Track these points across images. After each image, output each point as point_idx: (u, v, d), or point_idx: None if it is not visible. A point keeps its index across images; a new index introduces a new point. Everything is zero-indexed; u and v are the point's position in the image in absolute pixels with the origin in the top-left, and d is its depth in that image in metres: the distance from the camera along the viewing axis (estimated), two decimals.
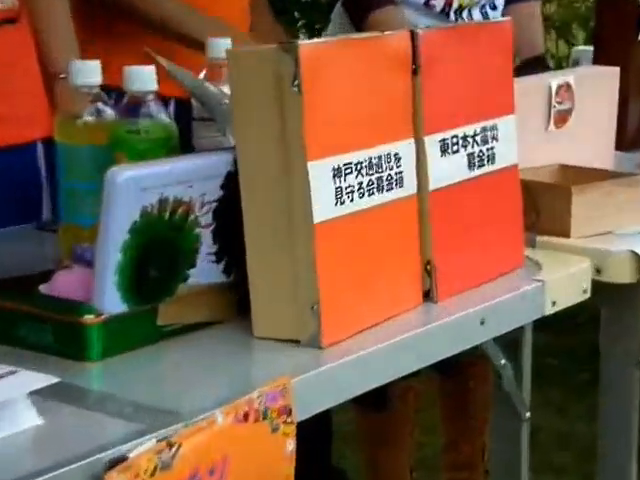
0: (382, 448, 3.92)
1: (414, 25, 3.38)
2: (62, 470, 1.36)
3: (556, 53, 5.51)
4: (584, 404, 2.87)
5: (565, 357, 3.75)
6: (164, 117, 1.97)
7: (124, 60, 2.18)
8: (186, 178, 1.79)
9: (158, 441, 1.42)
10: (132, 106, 1.95)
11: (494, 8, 3.82)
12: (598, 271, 2.32)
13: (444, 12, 3.70)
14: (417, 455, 4.20)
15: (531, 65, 3.55)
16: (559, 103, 2.66)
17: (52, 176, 2.52)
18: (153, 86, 1.96)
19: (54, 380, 1.52)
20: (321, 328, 1.78)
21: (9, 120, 2.57)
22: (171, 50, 2.55)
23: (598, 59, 2.99)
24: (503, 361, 2.24)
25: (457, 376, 3.83)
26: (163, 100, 2.05)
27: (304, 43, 1.76)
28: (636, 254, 2.33)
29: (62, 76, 2.24)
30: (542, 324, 2.24)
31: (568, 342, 3.59)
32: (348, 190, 1.83)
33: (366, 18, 3.69)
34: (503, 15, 3.83)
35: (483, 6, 3.78)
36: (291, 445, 1.62)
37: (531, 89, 2.63)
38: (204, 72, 2.21)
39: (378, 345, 1.84)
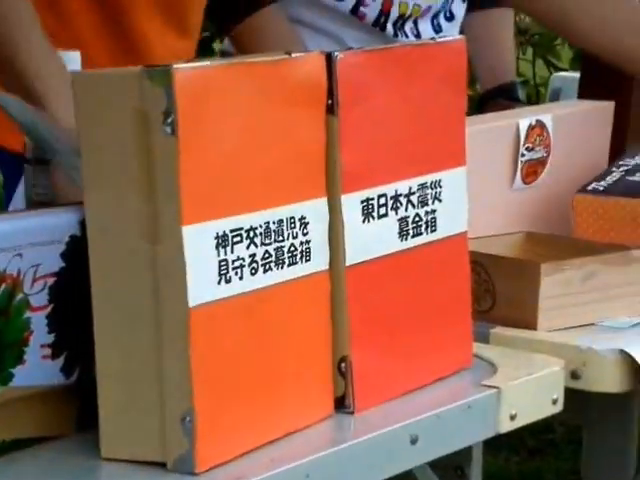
0: None
1: (340, 41, 3.52)
2: None
3: (532, 78, 5.53)
4: None
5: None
6: None
7: None
8: (13, 243, 1.78)
9: None
10: None
11: (450, 19, 3.81)
12: (575, 376, 2.32)
13: (379, 24, 3.66)
14: None
15: (496, 97, 3.57)
16: (530, 150, 2.67)
17: None
18: None
19: None
20: (195, 447, 1.76)
21: None
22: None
23: (587, 89, 3.01)
24: None
25: None
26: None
27: (180, 67, 1.73)
28: (628, 355, 2.32)
29: None
30: (501, 444, 2.26)
31: (539, 467, 3.59)
32: (236, 264, 1.82)
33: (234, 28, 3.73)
34: (463, 27, 3.84)
35: (436, 15, 3.75)
36: None
37: (493, 131, 2.63)
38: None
39: (271, 471, 1.83)
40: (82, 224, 1.81)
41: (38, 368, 1.82)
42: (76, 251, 1.81)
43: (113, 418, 1.81)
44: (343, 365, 2.02)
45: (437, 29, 3.73)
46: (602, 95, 2.89)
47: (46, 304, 1.81)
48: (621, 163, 2.82)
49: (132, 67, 1.79)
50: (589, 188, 2.68)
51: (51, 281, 1.81)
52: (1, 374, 1.78)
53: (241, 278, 1.82)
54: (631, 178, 2.72)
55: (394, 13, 3.63)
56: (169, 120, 1.70)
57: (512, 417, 2.19)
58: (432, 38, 3.50)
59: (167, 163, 1.72)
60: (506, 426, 2.19)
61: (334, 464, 1.93)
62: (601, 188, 2.70)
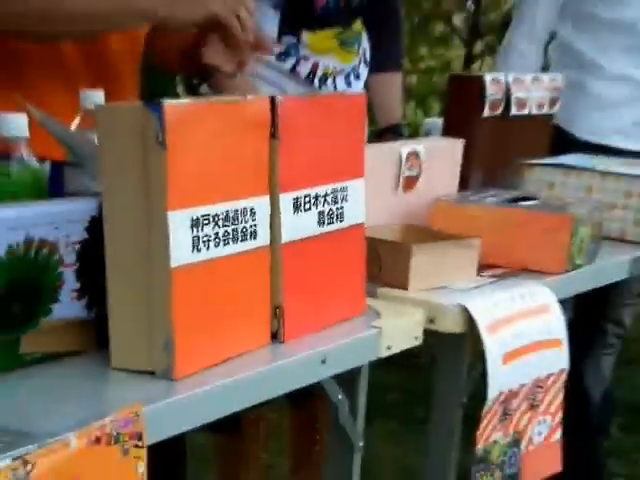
0: (234, 468, 3.93)
1: (281, 89, 3.48)
2: None
3: (414, 121, 5.54)
4: (418, 437, 2.90)
5: (407, 394, 3.75)
6: (34, 162, 1.96)
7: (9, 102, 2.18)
8: (52, 220, 1.78)
9: (13, 459, 1.39)
10: (4, 151, 1.94)
11: (358, 77, 3.78)
12: (432, 321, 2.33)
13: (309, 79, 3.64)
14: (267, 476, 4.21)
15: (387, 133, 3.56)
16: (408, 169, 2.66)
17: None
18: (25, 133, 1.96)
19: None
20: (174, 362, 1.77)
21: None
22: (42, 100, 2.44)
23: (447, 130, 3.03)
24: (340, 396, 2.24)
25: (304, 407, 3.85)
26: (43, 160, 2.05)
27: (169, 102, 1.73)
28: (465, 308, 2.34)
29: None
30: (388, 363, 2.25)
31: (410, 380, 3.58)
32: (205, 239, 1.81)
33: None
34: (367, 83, 3.83)
35: (348, 75, 3.72)
36: (141, 467, 1.59)
37: (384, 155, 2.63)
38: (78, 119, 2.18)
39: (227, 379, 1.83)
40: (99, 208, 1.80)
41: (69, 306, 1.82)
42: (95, 227, 1.81)
43: (119, 341, 1.82)
44: (277, 311, 2.01)
45: (348, 85, 3.71)
46: (456, 134, 2.90)
47: (74, 262, 1.81)
48: (469, 192, 2.87)
49: (138, 102, 1.80)
50: (443, 198, 2.70)
51: (78, 247, 1.81)
52: (43, 309, 1.77)
53: (208, 249, 1.82)
54: (472, 197, 2.77)
55: (320, 72, 3.63)
56: (160, 139, 1.69)
57: (388, 347, 2.19)
58: (344, 91, 3.60)
59: (158, 168, 1.71)
60: (384, 353, 2.19)
61: (268, 376, 1.94)
62: (452, 199, 2.74)
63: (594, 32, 4.27)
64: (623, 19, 4.22)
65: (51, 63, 2.86)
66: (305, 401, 3.23)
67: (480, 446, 2.36)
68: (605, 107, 4.13)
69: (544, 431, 2.50)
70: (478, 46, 7.11)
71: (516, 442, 2.43)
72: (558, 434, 2.54)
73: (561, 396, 2.54)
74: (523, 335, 2.42)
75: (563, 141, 3.58)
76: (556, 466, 2.55)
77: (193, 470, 3.14)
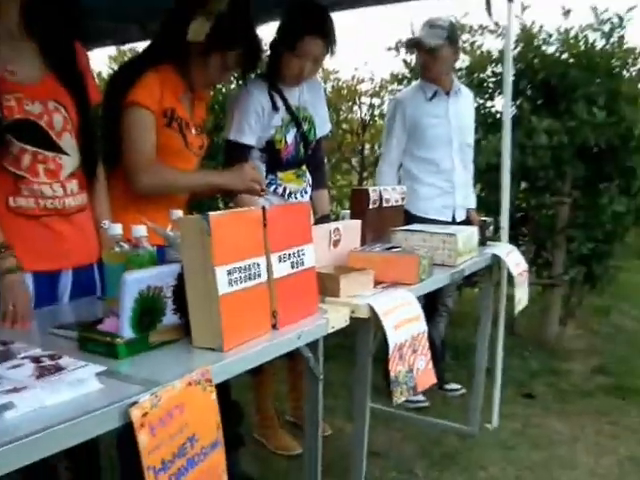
0: (260, 393, 3.93)
1: (269, 201, 3.40)
2: (110, 407, 1.46)
3: (335, 212, 5.45)
4: (349, 370, 2.86)
5: (343, 351, 3.71)
6: (150, 248, 2.00)
7: (134, 219, 2.21)
8: (160, 276, 1.82)
9: (151, 394, 1.50)
10: (135, 244, 1.98)
11: (306, 193, 3.66)
12: (353, 312, 2.34)
13: (282, 195, 3.53)
14: (277, 395, 4.15)
15: (322, 219, 3.53)
16: (334, 236, 2.69)
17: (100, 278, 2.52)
18: (145, 233, 2.00)
19: (103, 368, 1.59)
20: (223, 342, 1.81)
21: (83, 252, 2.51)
22: (152, 216, 2.41)
23: (352, 216, 3.04)
24: (309, 354, 2.22)
25: (293, 360, 3.86)
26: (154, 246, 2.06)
27: (212, 214, 1.77)
28: (370, 304, 2.36)
29: (103, 226, 2.17)
30: (331, 336, 2.23)
31: (344, 344, 3.53)
32: (234, 279, 1.84)
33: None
34: (311, 196, 3.73)
35: (301, 192, 3.60)
36: (214, 396, 1.65)
37: (322, 231, 2.62)
38: (170, 225, 2.20)
39: (250, 349, 1.88)
40: (182, 268, 1.83)
41: (170, 318, 1.86)
42: (180, 277, 1.83)
43: (196, 332, 1.85)
44: (274, 313, 2.02)
45: (302, 197, 3.61)
46: (357, 218, 2.94)
47: (171, 296, 1.84)
48: (366, 246, 2.89)
49: (198, 214, 1.81)
50: (353, 250, 2.72)
51: (172, 287, 1.85)
52: (158, 319, 1.83)
53: (236, 284, 1.85)
54: (367, 249, 2.80)
55: (287, 192, 3.56)
56: (208, 232, 1.74)
57: (332, 327, 2.21)
58: (299, 201, 3.53)
59: (208, 246, 1.76)
60: (330, 330, 2.21)
61: (272, 346, 1.97)
62: (358, 250, 2.75)
63: (417, 162, 4.37)
64: (430, 157, 4.35)
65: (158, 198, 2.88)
66: (292, 357, 3.20)
67: (393, 374, 2.36)
68: (426, 199, 4.22)
69: (423, 364, 2.51)
70: (365, 173, 7.09)
71: (410, 370, 2.43)
72: (430, 364, 2.55)
73: (427, 344, 2.55)
74: (401, 315, 2.43)
75: (408, 217, 3.61)
76: (433, 379, 2.58)
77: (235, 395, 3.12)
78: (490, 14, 3.85)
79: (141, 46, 7.57)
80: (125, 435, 1.45)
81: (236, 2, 2.78)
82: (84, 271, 2.52)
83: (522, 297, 3.76)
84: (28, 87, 2.31)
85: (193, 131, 2.97)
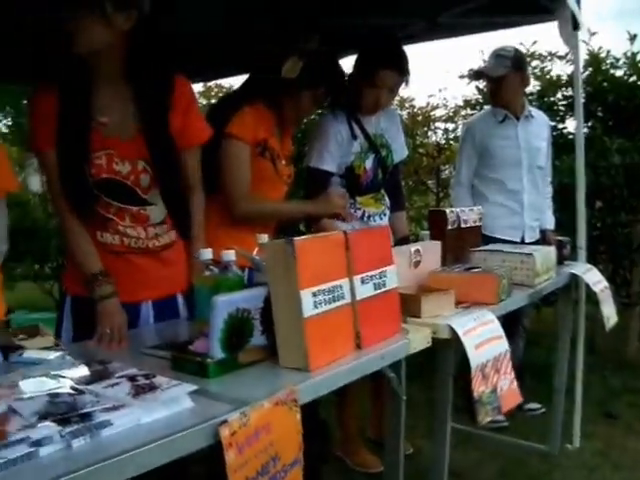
0: (343, 410, 3.92)
1: (350, 225, 3.40)
2: (201, 426, 1.46)
3: (415, 233, 5.45)
4: (431, 390, 2.80)
5: (425, 371, 3.63)
6: (239, 272, 2.02)
7: (225, 243, 2.23)
8: (248, 298, 1.84)
9: (240, 413, 1.50)
10: (224, 267, 2.01)
11: (385, 216, 3.69)
12: (434, 333, 2.31)
13: (362, 218, 3.57)
14: (361, 412, 4.10)
15: (402, 241, 3.51)
16: (415, 257, 2.68)
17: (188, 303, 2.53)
18: (234, 258, 2.02)
19: (195, 387, 1.61)
20: (309, 363, 1.81)
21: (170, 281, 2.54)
22: (242, 240, 2.51)
23: (431, 237, 3.00)
24: (392, 374, 2.19)
25: (375, 380, 3.72)
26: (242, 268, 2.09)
27: (297, 239, 1.79)
28: (450, 325, 2.33)
29: (195, 257, 2.17)
30: (412, 357, 2.21)
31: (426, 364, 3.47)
32: (319, 302, 1.84)
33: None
34: (390, 219, 3.76)
35: (380, 216, 3.64)
36: (298, 416, 1.65)
37: (402, 252, 2.61)
38: (256, 250, 2.21)
39: (336, 369, 1.88)
40: (268, 291, 1.85)
41: (258, 338, 1.86)
42: (267, 299, 1.84)
43: (283, 353, 1.86)
44: (358, 334, 2.01)
45: (381, 219, 3.65)
46: (436, 239, 2.91)
47: (259, 317, 1.85)
48: (446, 267, 2.86)
49: (282, 239, 1.83)
50: (434, 271, 2.72)
51: (260, 310, 1.85)
52: (247, 340, 1.84)
53: (321, 306, 1.85)
54: (447, 269, 2.79)
55: (366, 215, 3.60)
56: (293, 255, 1.76)
57: (414, 348, 2.19)
58: (378, 224, 3.57)
59: (294, 269, 1.78)
60: (412, 351, 2.18)
61: (356, 366, 1.96)
62: (438, 271, 2.74)
63: (486, 182, 4.41)
64: (498, 177, 4.37)
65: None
66: (374, 376, 3.24)
67: (476, 394, 2.33)
68: (493, 218, 4.15)
69: (507, 383, 2.47)
70: (441, 194, 7.10)
71: (494, 390, 2.39)
72: (514, 384, 2.51)
73: (510, 364, 2.51)
74: (483, 335, 2.41)
75: (484, 238, 3.59)
76: (518, 399, 2.54)
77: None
78: (566, 42, 3.79)
79: (226, 82, 7.76)
80: (211, 452, 1.47)
81: (323, 41, 2.93)
82: (165, 302, 2.55)
83: (610, 314, 3.64)
84: (120, 143, 2.33)
85: (282, 161, 3.12)
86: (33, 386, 1.60)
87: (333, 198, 3.19)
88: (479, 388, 2.36)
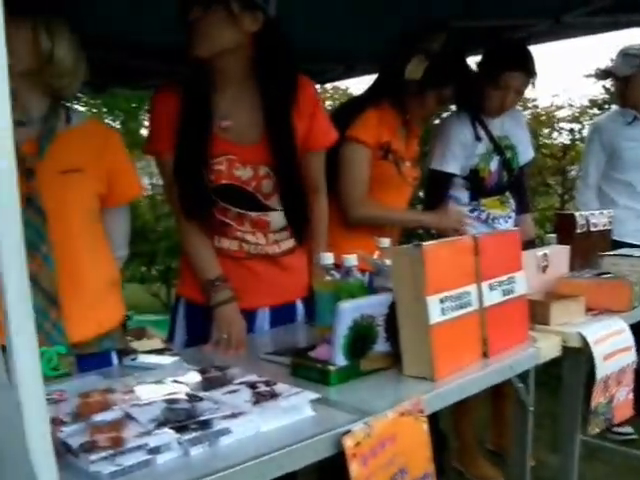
0: (461, 419, 3.80)
1: (474, 227, 3.38)
2: (323, 435, 1.42)
3: (540, 236, 5.31)
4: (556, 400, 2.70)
5: (552, 380, 3.54)
6: (360, 277, 1.99)
7: (346, 246, 2.21)
8: (372, 305, 1.78)
9: (364, 424, 1.45)
10: (345, 272, 1.98)
11: (510, 218, 3.63)
12: (564, 341, 2.22)
13: (486, 221, 3.52)
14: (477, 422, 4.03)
15: (529, 245, 3.41)
16: (543, 262, 2.59)
17: (306, 312, 2.52)
18: (355, 263, 1.99)
19: (317, 395, 1.56)
20: (434, 372, 1.75)
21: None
22: (363, 243, 2.43)
23: (559, 241, 2.91)
24: (520, 384, 2.16)
25: (500, 389, 3.65)
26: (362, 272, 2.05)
27: (424, 244, 1.74)
28: (580, 333, 2.23)
29: (317, 261, 2.12)
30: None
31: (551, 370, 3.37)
32: (446, 308, 1.79)
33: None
34: (515, 221, 3.70)
35: (505, 218, 3.58)
36: (425, 427, 1.59)
37: (530, 257, 2.50)
38: (377, 253, 2.16)
39: (462, 378, 1.81)
40: (393, 297, 1.79)
41: (382, 345, 1.81)
42: (392, 306, 1.79)
43: (407, 361, 1.80)
44: (485, 341, 1.94)
45: (506, 223, 3.57)
46: (564, 243, 2.82)
47: (383, 324, 1.80)
48: (575, 272, 2.75)
49: (409, 244, 1.78)
50: (562, 276, 2.64)
51: (384, 316, 1.79)
52: (370, 347, 1.79)
53: (448, 313, 1.79)
54: (576, 275, 2.69)
55: (491, 216, 3.53)
56: (420, 259, 1.70)
57: (544, 357, 2.11)
58: (506, 228, 3.47)
59: (421, 275, 1.72)
60: (542, 360, 2.10)
61: (483, 376, 1.89)
62: (567, 276, 2.64)
63: (613, 184, 4.26)
64: (627, 179, 4.21)
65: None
66: (501, 387, 3.17)
67: (593, 405, 2.25)
68: (620, 222, 3.92)
69: (624, 395, 2.38)
70: (566, 196, 6.96)
71: (610, 401, 2.31)
72: (630, 395, 2.41)
73: (632, 376, 2.41)
74: (613, 345, 2.31)
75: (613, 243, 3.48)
76: (630, 412, 2.43)
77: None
78: None
79: (342, 84, 7.75)
80: (329, 463, 1.43)
81: (449, 41, 2.91)
82: (284, 309, 2.52)
83: None
84: (241, 148, 2.30)
85: (407, 163, 3.11)
86: (149, 392, 1.58)
87: (451, 213, 3.20)
88: (598, 399, 2.29)
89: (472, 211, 3.51)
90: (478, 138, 3.48)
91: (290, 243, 2.47)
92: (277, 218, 2.40)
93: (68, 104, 2.14)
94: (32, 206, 1.92)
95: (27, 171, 1.91)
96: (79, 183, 2.03)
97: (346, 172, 2.96)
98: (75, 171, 2.02)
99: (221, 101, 2.30)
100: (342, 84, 7.78)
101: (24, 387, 0.95)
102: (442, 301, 1.78)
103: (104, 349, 2.12)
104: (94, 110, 9.10)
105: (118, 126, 9.20)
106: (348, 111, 3.06)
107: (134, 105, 11.03)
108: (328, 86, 7.88)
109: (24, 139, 1.93)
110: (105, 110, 11.35)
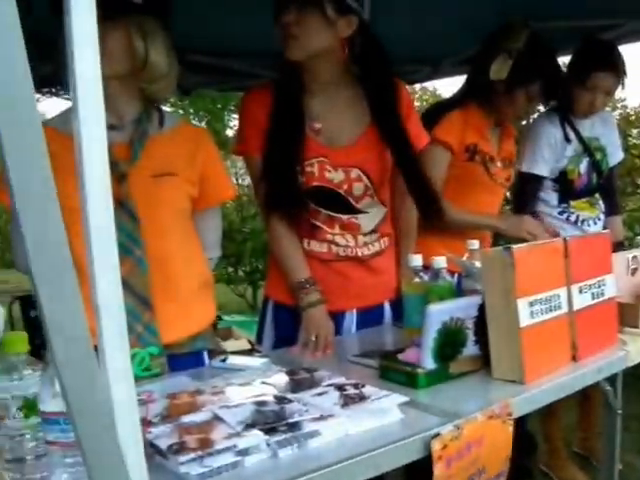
0: (549, 422, 3.70)
1: (562, 229, 3.31)
2: (412, 438, 1.41)
3: (633, 238, 5.20)
4: None
5: (636, 379, 3.44)
6: (449, 279, 1.96)
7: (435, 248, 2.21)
8: (461, 307, 1.76)
9: (454, 426, 1.44)
10: (435, 274, 1.96)
11: (599, 220, 3.53)
12: None
13: (575, 223, 3.44)
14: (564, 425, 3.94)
15: (618, 246, 3.36)
16: (632, 264, 2.51)
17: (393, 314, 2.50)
18: (445, 265, 1.96)
19: (406, 398, 1.54)
20: (524, 375, 1.72)
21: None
22: (452, 245, 2.47)
23: None
24: (608, 387, 2.12)
25: (587, 392, 3.58)
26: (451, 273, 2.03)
27: (516, 247, 1.71)
28: None
29: (405, 263, 2.12)
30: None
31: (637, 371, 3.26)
32: (535, 311, 1.75)
33: None
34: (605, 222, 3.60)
35: (594, 220, 3.49)
36: (511, 429, 1.57)
37: (620, 259, 2.41)
38: (466, 255, 2.14)
39: (552, 381, 1.77)
40: (482, 300, 1.76)
41: (471, 349, 1.78)
42: (481, 308, 1.76)
43: (496, 364, 1.77)
44: (574, 345, 1.89)
45: (595, 225, 3.49)
46: None
47: (472, 327, 1.77)
48: None
49: (500, 247, 1.76)
50: None
51: (474, 319, 1.77)
52: (459, 350, 1.77)
53: (537, 316, 1.75)
54: None
55: (580, 218, 3.46)
56: (511, 264, 1.68)
57: (632, 360, 2.05)
58: (597, 231, 3.39)
59: (511, 279, 1.69)
60: (630, 364, 2.04)
61: (572, 379, 1.84)
62: None
63: None
64: None
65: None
66: (588, 389, 3.10)
67: None
68: None
69: None
70: None
71: None
72: None
73: None
74: None
75: None
76: None
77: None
78: None
79: (430, 85, 7.72)
80: (416, 465, 1.42)
81: (534, 38, 2.83)
82: (370, 311, 2.50)
83: None
84: (333, 151, 2.31)
85: (499, 164, 3.06)
86: (238, 393, 1.59)
87: (526, 221, 3.09)
88: None
89: (561, 213, 3.45)
90: (568, 140, 3.41)
91: (379, 245, 2.45)
92: (367, 221, 2.39)
93: (160, 107, 2.15)
94: (124, 210, 1.92)
95: (120, 175, 1.92)
96: (171, 186, 2.03)
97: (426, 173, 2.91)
98: (167, 175, 2.02)
99: (313, 103, 2.32)
100: (430, 85, 7.76)
101: (116, 388, 0.95)
102: (532, 304, 1.75)
103: (196, 349, 2.13)
104: (180, 111, 9.23)
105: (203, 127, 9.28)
106: (435, 112, 3.04)
107: (219, 106, 11.14)
108: (417, 87, 7.87)
109: (116, 143, 1.93)
110: (191, 111, 11.55)
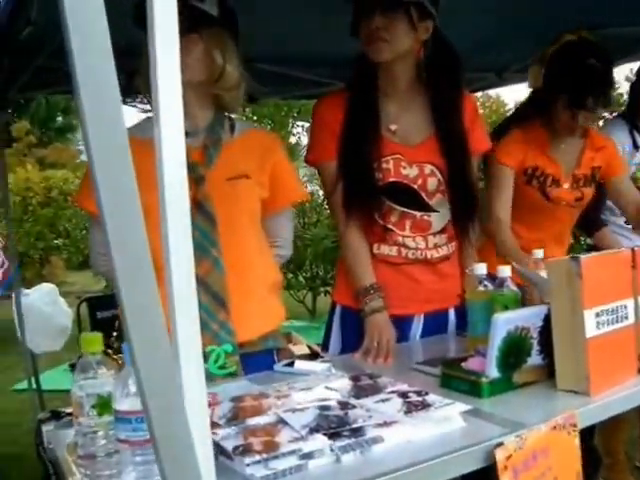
0: (611, 435, 3.64)
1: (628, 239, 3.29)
2: (475, 447, 1.41)
3: None
4: None
5: None
6: (514, 289, 1.96)
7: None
8: (526, 317, 1.76)
9: (516, 436, 1.43)
10: (500, 283, 1.95)
11: None
12: None
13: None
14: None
15: None
16: None
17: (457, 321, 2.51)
18: (509, 274, 1.96)
19: (469, 407, 1.55)
20: (589, 386, 1.70)
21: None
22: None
23: None
24: None
25: None
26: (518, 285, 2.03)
27: (583, 256, 1.70)
28: None
29: (468, 272, 2.11)
30: None
31: None
32: (602, 322, 1.73)
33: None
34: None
35: None
36: (577, 441, 1.55)
37: None
38: (530, 265, 2.13)
39: (617, 393, 1.76)
40: (548, 310, 1.76)
41: (535, 359, 1.78)
42: (547, 318, 1.76)
43: (561, 375, 1.75)
44: None
45: None
46: None
47: (538, 337, 1.77)
48: None
49: (567, 257, 1.75)
50: None
51: (539, 329, 1.77)
52: (524, 359, 1.77)
53: (604, 327, 1.74)
54: None
55: None
56: (579, 274, 1.67)
57: None
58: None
59: (579, 289, 1.68)
60: None
61: (636, 393, 1.80)
62: None
63: None
64: None
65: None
66: None
67: None
68: None
69: None
70: None
71: None
72: None
73: None
74: None
75: None
76: None
77: None
78: None
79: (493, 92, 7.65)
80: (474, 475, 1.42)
81: (568, 46, 2.71)
82: (437, 316, 2.51)
83: None
84: (408, 149, 2.36)
85: (566, 185, 2.89)
86: (302, 397, 1.61)
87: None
88: None
89: (627, 222, 3.37)
90: (637, 147, 3.38)
91: (448, 249, 2.47)
92: (438, 220, 2.42)
93: (231, 115, 2.24)
94: (202, 211, 2.01)
95: (198, 178, 2.02)
96: (246, 188, 2.12)
97: (487, 187, 2.89)
98: (241, 177, 2.11)
99: (389, 105, 2.37)
100: (493, 92, 7.72)
101: (188, 388, 0.98)
102: (598, 315, 1.73)
103: (267, 348, 2.19)
104: (243, 118, 9.31)
105: None
106: (497, 129, 3.04)
107: (282, 113, 11.19)
108: (478, 93, 7.84)
109: (192, 148, 1.99)
110: (255, 118, 11.61)
